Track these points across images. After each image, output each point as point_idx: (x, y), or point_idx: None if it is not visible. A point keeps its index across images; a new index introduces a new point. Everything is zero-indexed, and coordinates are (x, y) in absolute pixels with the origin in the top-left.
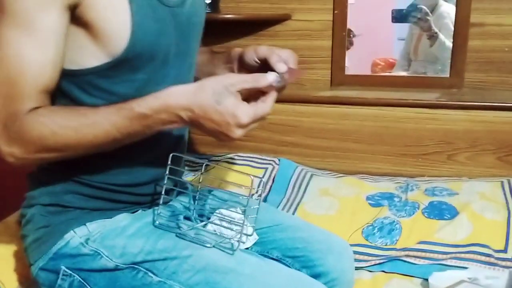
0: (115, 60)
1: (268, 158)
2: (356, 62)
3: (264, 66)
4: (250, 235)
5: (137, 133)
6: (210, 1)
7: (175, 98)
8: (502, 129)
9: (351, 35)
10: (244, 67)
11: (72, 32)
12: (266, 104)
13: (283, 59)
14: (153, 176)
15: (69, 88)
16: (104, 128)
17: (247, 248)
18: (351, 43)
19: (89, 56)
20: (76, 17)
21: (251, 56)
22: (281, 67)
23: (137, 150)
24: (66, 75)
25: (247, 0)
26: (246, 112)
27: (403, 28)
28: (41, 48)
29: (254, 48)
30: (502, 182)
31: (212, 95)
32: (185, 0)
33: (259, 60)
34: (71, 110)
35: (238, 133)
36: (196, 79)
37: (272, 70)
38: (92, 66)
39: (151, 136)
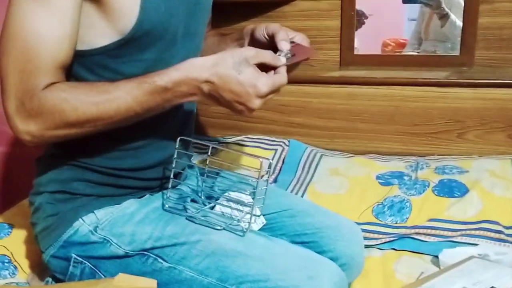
0: (124, 38)
1: (278, 140)
2: (366, 43)
3: (272, 43)
4: (258, 216)
5: (158, 107)
6: None
7: (197, 70)
8: None
9: (363, 17)
10: (254, 42)
11: (84, 9)
12: (282, 75)
13: (290, 38)
14: (160, 159)
15: (77, 70)
16: (127, 102)
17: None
18: (362, 23)
19: (99, 34)
20: None
21: (261, 32)
22: (284, 46)
23: (143, 132)
24: (75, 55)
25: None
26: (266, 82)
27: (414, 9)
28: (59, 23)
29: (265, 26)
30: None
31: (233, 65)
32: None
33: (268, 36)
34: (92, 85)
35: (257, 103)
36: None
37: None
38: (101, 45)
39: (157, 118)
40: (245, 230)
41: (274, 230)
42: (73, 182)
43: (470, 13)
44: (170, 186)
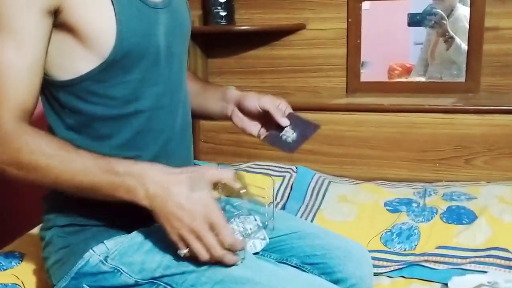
0: (106, 61)
1: (286, 166)
2: (372, 67)
3: (266, 117)
4: (263, 239)
5: (100, 188)
6: (225, 13)
7: (152, 170)
8: None
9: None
10: (244, 112)
11: (61, 38)
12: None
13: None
14: None
15: (67, 99)
16: (76, 167)
17: (259, 253)
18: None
19: (81, 61)
20: (61, 23)
21: (254, 104)
22: (284, 122)
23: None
24: (63, 86)
25: (261, 11)
26: (221, 216)
27: (419, 33)
28: (19, 52)
29: (257, 97)
30: None
31: (188, 179)
32: (169, 3)
33: (261, 109)
34: (57, 140)
35: (197, 227)
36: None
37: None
38: (85, 71)
39: (159, 148)
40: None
41: (284, 252)
42: (82, 214)
43: (475, 40)
44: None
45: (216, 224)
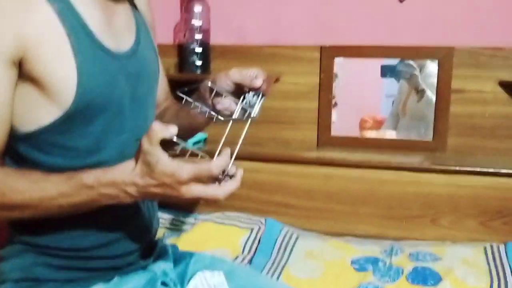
0: (67, 112)
1: (254, 218)
2: (343, 119)
3: (238, 89)
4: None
5: (84, 204)
6: (200, 63)
7: (120, 174)
8: (484, 194)
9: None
10: (218, 94)
11: (24, 89)
12: (208, 165)
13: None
14: (122, 233)
15: (27, 152)
16: (51, 195)
17: None
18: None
19: (43, 112)
20: (24, 73)
21: (225, 81)
22: (257, 83)
23: (100, 206)
24: (24, 138)
25: (236, 63)
26: (185, 170)
27: (391, 85)
28: None
29: (225, 74)
30: (485, 247)
31: (144, 165)
32: (134, 53)
33: (233, 83)
34: (23, 174)
35: (183, 190)
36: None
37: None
38: (47, 123)
39: None
40: None
41: None
42: (37, 267)
43: (442, 101)
44: None
45: (193, 176)
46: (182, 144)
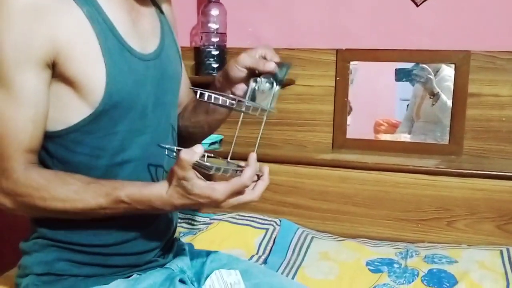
0: (95, 112)
1: (269, 219)
2: (358, 122)
3: (251, 73)
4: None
5: (121, 214)
6: (217, 65)
7: (156, 197)
8: (500, 197)
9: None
10: (232, 81)
11: (57, 90)
12: (242, 178)
13: (266, 58)
14: (144, 231)
15: (56, 150)
16: (91, 206)
17: None
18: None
19: (72, 112)
20: (58, 74)
21: (235, 70)
22: (270, 66)
23: None
24: (52, 137)
25: None
26: (222, 191)
27: (406, 89)
28: (20, 107)
29: (235, 61)
30: (501, 250)
31: (179, 188)
32: (159, 55)
33: (244, 68)
34: (64, 182)
35: (222, 205)
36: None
37: (259, 74)
38: (75, 122)
39: None
40: None
41: None
42: (59, 263)
43: (458, 105)
44: None
45: (228, 194)
46: (214, 166)
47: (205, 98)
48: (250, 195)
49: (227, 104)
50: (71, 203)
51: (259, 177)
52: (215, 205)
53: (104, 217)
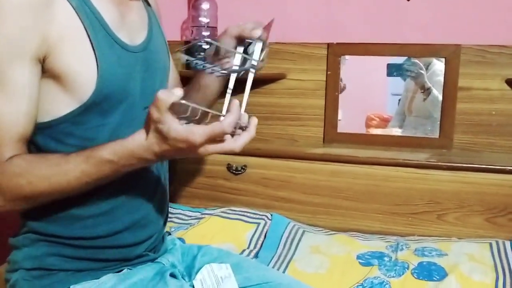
0: (85, 104)
1: (260, 213)
2: (349, 117)
3: (239, 41)
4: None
5: (109, 176)
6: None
7: (136, 146)
8: (490, 191)
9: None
10: (224, 55)
11: (44, 83)
12: (221, 123)
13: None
14: (133, 221)
15: (44, 142)
16: (76, 175)
17: None
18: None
19: (61, 104)
20: (46, 69)
21: (226, 41)
22: (257, 33)
23: (113, 194)
24: (41, 128)
25: None
26: (197, 132)
27: (397, 83)
28: (13, 100)
29: (224, 33)
30: (490, 243)
31: (156, 133)
32: (146, 46)
33: (234, 39)
34: (46, 158)
35: (199, 151)
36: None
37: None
38: (64, 113)
39: (126, 179)
40: None
41: None
42: (49, 257)
43: (448, 99)
44: None
45: (207, 138)
46: (191, 105)
47: (197, 66)
48: (231, 143)
49: (218, 71)
50: (56, 178)
51: (244, 128)
52: (194, 151)
53: (93, 188)
